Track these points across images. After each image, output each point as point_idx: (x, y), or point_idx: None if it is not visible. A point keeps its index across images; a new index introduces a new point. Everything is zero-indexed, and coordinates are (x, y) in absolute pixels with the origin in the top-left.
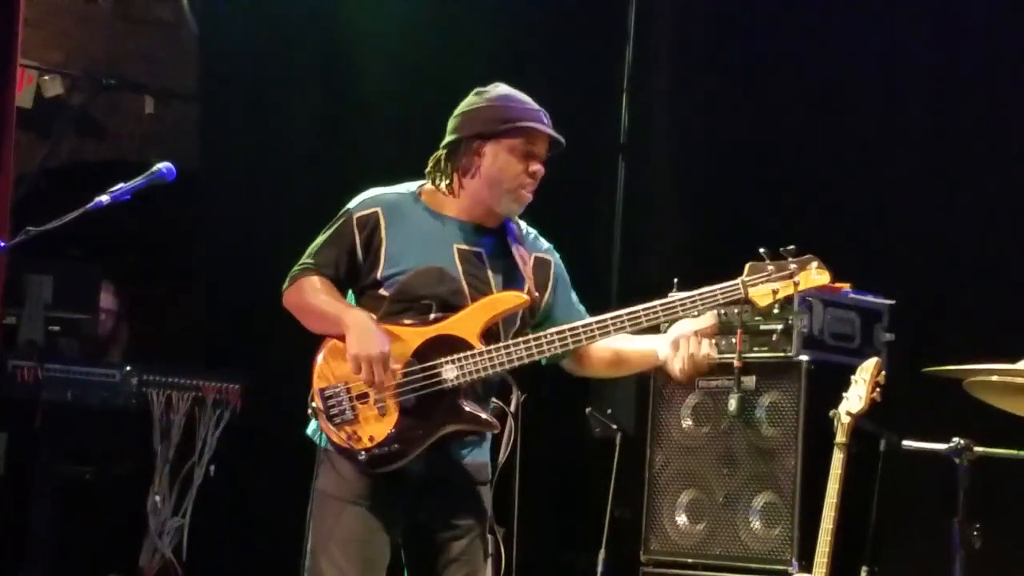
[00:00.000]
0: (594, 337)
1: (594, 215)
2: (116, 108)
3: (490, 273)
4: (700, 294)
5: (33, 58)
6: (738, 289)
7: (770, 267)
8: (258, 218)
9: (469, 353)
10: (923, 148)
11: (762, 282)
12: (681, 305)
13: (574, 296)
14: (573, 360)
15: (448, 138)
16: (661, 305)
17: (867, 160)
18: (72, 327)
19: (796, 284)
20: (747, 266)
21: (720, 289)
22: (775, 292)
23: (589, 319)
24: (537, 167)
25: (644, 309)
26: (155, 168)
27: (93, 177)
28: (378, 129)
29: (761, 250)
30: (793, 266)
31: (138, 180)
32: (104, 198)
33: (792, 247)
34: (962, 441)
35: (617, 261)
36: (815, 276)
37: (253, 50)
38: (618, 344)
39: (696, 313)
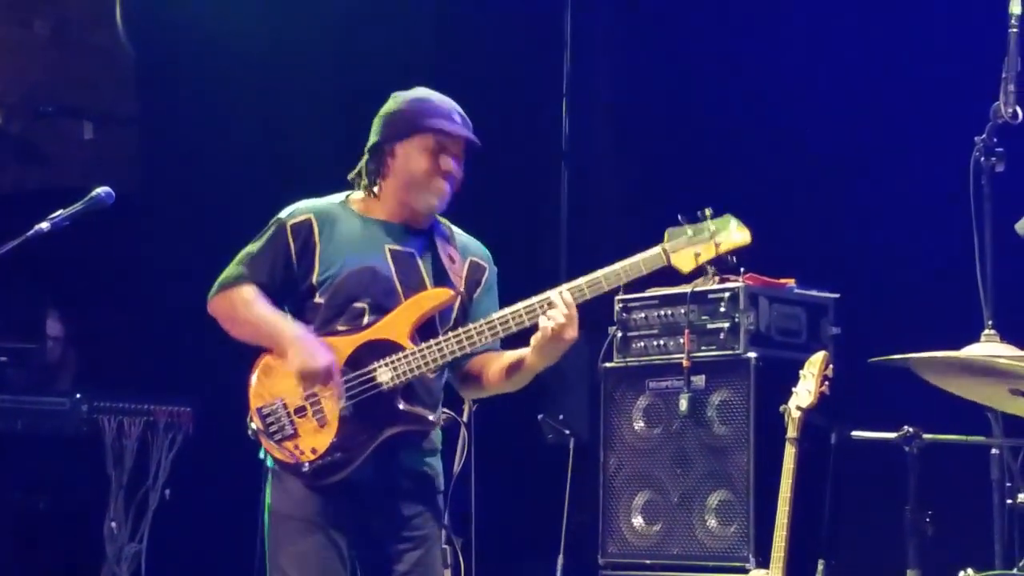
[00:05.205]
0: (523, 322)
1: (540, 222)
2: (55, 135)
3: (423, 272)
4: (623, 266)
5: None
6: (660, 256)
7: (689, 231)
8: (201, 240)
9: (401, 354)
10: (863, 143)
11: (683, 247)
12: (605, 279)
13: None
14: (466, 377)
15: (368, 143)
16: (586, 282)
17: (809, 158)
18: (20, 357)
19: (717, 245)
20: (666, 232)
21: (642, 258)
22: (697, 256)
23: (516, 305)
24: (448, 163)
25: (570, 287)
26: (94, 193)
27: (35, 205)
28: (320, 150)
29: (679, 216)
30: (712, 227)
31: (77, 206)
32: (44, 225)
33: (709, 209)
34: (911, 429)
35: (564, 266)
36: (735, 235)
37: (191, 72)
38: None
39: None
